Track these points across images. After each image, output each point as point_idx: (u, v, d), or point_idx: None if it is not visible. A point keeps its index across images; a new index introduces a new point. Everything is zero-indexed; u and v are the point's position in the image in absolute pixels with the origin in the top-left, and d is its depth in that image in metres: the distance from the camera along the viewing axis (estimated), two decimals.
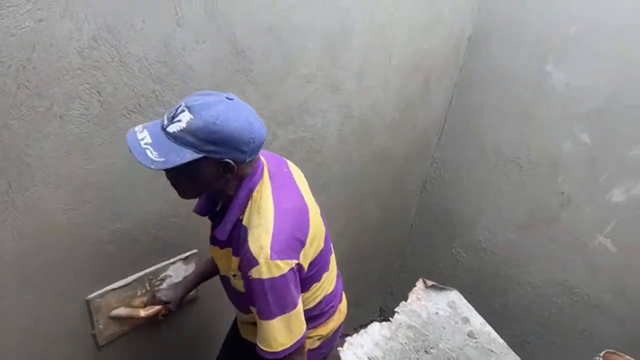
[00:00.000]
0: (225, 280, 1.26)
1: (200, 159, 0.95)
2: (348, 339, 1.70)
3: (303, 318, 1.12)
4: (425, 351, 1.80)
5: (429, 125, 2.40)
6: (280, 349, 1.08)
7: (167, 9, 1.14)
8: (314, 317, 1.29)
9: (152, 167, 0.94)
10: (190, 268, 1.56)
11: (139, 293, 1.44)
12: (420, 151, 2.47)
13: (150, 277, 1.45)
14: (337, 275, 1.42)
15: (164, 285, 1.50)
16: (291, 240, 1.07)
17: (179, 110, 0.96)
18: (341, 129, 1.89)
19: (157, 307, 1.43)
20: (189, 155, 0.94)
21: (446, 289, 2.08)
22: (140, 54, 1.13)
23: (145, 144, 0.95)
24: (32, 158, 1.04)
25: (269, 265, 1.01)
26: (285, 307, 1.06)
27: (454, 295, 2.07)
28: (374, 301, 2.98)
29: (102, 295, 1.33)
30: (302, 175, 1.31)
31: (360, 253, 2.48)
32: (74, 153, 1.11)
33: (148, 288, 1.45)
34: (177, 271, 1.53)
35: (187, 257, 1.54)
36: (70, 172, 1.12)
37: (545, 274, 2.30)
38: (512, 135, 2.25)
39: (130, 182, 1.26)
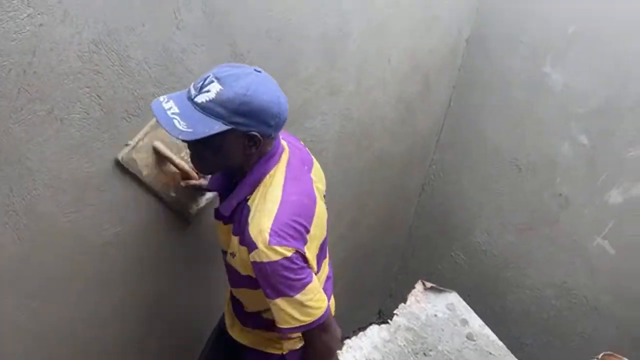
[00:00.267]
0: (223, 254, 1.24)
1: (227, 131, 0.94)
2: (347, 341, 1.71)
3: (320, 295, 1.08)
4: (424, 353, 1.80)
5: (428, 126, 2.41)
6: (296, 325, 1.05)
7: (166, 12, 1.14)
8: None
9: (180, 137, 0.92)
10: None
11: None
12: (419, 153, 2.48)
13: None
14: (328, 278, 1.38)
15: None
16: (292, 227, 1.04)
17: (207, 81, 0.95)
18: (340, 132, 1.89)
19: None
20: (218, 126, 0.93)
21: (445, 291, 2.08)
22: (140, 57, 1.13)
23: (173, 113, 0.94)
24: (33, 162, 1.05)
25: (268, 250, 0.99)
26: (290, 288, 1.02)
27: (453, 298, 2.07)
28: (373, 303, 2.98)
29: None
30: (323, 179, 1.28)
31: (360, 255, 2.49)
32: (75, 156, 1.11)
33: None
34: None
35: None
36: (71, 175, 1.13)
37: (544, 276, 2.30)
38: (511, 136, 2.25)
39: (131, 185, 1.26)
